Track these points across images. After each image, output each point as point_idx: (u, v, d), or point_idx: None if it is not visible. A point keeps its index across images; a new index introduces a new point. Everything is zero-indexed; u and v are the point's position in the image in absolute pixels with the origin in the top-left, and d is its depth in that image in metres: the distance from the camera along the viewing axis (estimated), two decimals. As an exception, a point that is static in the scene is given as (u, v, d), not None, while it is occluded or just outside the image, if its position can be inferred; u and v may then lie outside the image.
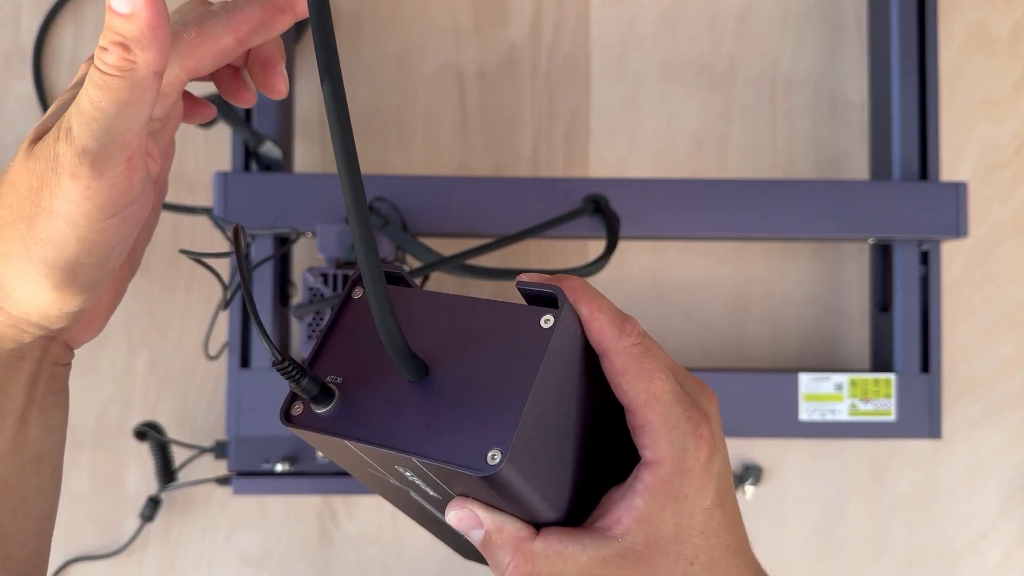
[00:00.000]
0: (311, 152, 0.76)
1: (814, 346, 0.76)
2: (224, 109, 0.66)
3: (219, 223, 0.63)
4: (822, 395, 0.67)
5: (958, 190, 0.65)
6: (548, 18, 0.77)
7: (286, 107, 0.70)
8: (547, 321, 0.29)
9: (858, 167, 0.76)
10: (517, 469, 0.27)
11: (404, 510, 0.38)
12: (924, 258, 0.69)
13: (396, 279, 0.33)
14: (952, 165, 0.76)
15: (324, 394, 0.30)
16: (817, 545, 0.75)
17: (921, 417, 0.67)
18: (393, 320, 0.28)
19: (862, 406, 0.67)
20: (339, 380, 0.31)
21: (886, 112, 0.70)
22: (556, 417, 0.29)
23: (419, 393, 0.29)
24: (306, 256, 0.74)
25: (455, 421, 0.28)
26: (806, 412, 0.67)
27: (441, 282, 0.76)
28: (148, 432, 0.70)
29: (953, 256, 0.76)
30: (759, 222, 0.65)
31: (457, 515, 0.31)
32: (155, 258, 0.75)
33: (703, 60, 0.77)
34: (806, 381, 0.67)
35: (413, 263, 0.69)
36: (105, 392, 0.74)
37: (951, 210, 0.65)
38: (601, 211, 0.63)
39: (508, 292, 0.76)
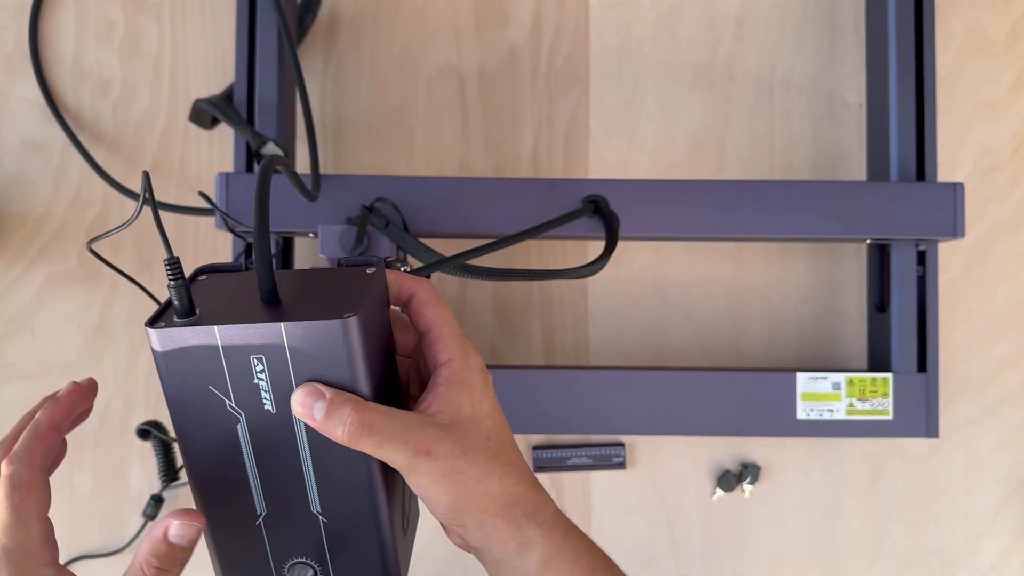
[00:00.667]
0: (313, 153, 0.77)
1: (812, 346, 0.76)
2: (226, 111, 0.67)
3: (227, 222, 0.64)
4: (820, 394, 0.68)
5: (955, 191, 0.66)
6: (548, 20, 0.78)
7: (287, 109, 0.70)
8: (370, 270, 0.40)
9: (856, 168, 0.77)
10: (361, 328, 0.35)
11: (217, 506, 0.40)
12: (921, 258, 0.69)
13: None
14: (949, 166, 0.76)
15: (191, 307, 0.35)
16: (815, 543, 0.76)
17: (918, 416, 0.68)
18: (267, 248, 0.36)
19: (859, 405, 0.68)
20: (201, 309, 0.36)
21: (884, 113, 0.70)
22: (376, 329, 0.38)
23: (278, 308, 0.36)
24: (307, 256, 0.75)
25: (308, 307, 0.35)
26: (804, 411, 0.68)
27: (441, 282, 0.76)
28: (151, 431, 0.71)
29: (950, 256, 0.76)
30: (757, 223, 0.66)
31: (303, 392, 0.35)
32: (156, 257, 0.75)
33: (702, 62, 0.77)
34: (804, 380, 0.68)
35: (414, 263, 0.70)
36: (107, 391, 0.74)
37: (948, 211, 0.66)
38: (600, 211, 0.64)
39: (508, 292, 0.77)
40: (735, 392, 0.67)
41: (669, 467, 0.76)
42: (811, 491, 0.76)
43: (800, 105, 0.77)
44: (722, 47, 0.77)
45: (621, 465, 0.75)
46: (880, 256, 0.73)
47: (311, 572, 0.40)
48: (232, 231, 0.64)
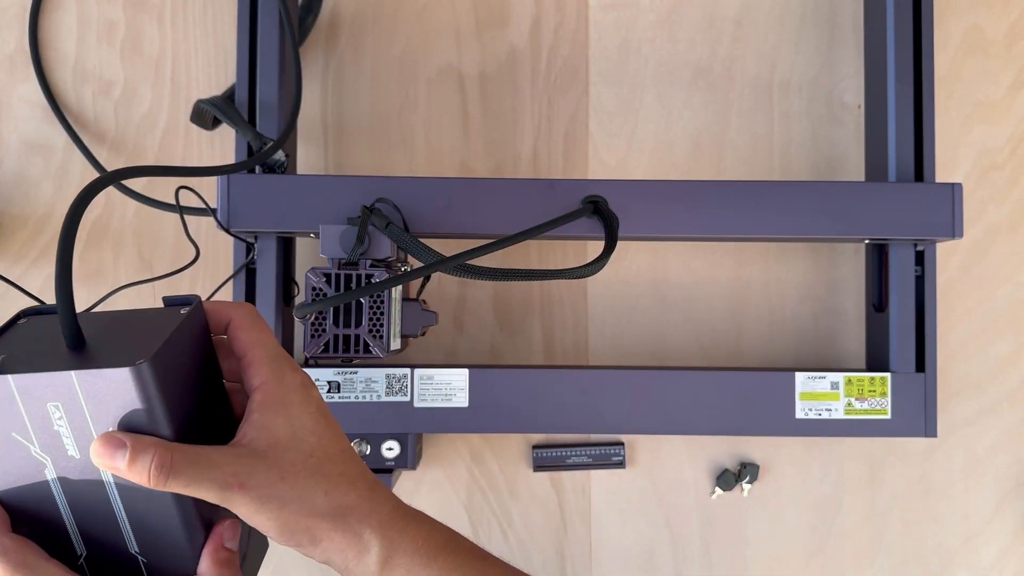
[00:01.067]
0: (314, 154, 0.77)
1: (810, 345, 0.77)
2: (228, 111, 0.67)
3: (222, 225, 0.64)
4: (818, 394, 0.68)
5: (953, 191, 0.66)
6: (548, 21, 0.78)
7: (289, 109, 0.71)
8: (184, 310, 0.39)
9: (854, 169, 0.77)
10: (155, 374, 0.35)
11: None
12: (919, 258, 0.69)
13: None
14: (948, 167, 0.77)
15: None
16: (813, 542, 0.76)
17: (916, 416, 0.68)
18: (68, 296, 0.35)
19: (858, 405, 0.68)
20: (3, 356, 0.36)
21: (882, 114, 0.70)
22: (182, 366, 0.38)
23: (80, 353, 0.36)
24: (309, 256, 0.75)
25: (109, 353, 0.35)
26: (802, 411, 0.68)
27: (442, 282, 0.76)
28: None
29: (948, 256, 0.76)
30: (756, 223, 0.66)
31: (100, 442, 0.35)
32: (158, 256, 0.76)
33: (701, 63, 0.78)
34: (802, 380, 0.68)
35: (414, 263, 0.70)
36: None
37: (946, 211, 0.66)
38: (600, 212, 0.64)
39: (508, 292, 0.77)
40: (734, 392, 0.68)
41: (668, 466, 0.76)
42: (810, 490, 0.76)
43: (799, 106, 0.77)
44: (721, 48, 0.78)
45: (621, 464, 0.75)
46: (879, 256, 0.73)
47: None
48: (227, 231, 0.65)
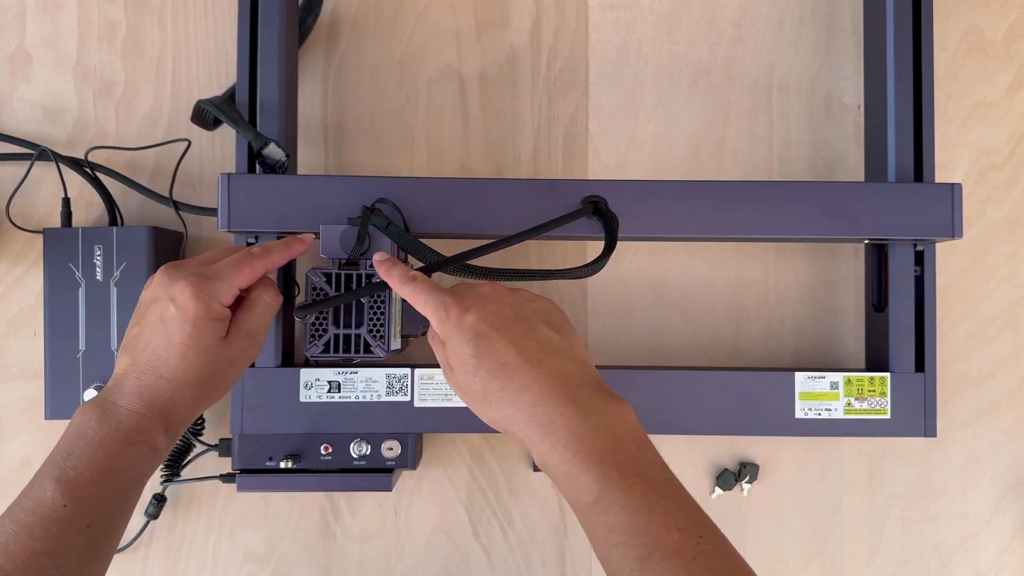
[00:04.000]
0: (314, 154, 0.77)
1: (810, 345, 0.77)
2: (228, 111, 0.67)
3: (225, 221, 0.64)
4: (818, 393, 0.68)
5: (952, 191, 0.66)
6: (548, 22, 0.78)
7: (290, 110, 0.71)
8: None
9: (854, 169, 0.77)
10: None
11: None
12: (919, 258, 0.70)
13: None
14: (947, 167, 0.77)
15: None
16: (813, 542, 0.76)
17: (916, 415, 0.68)
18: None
19: (857, 404, 0.68)
20: None
21: (881, 114, 0.70)
22: None
23: None
24: (309, 256, 0.75)
25: None
26: (802, 410, 0.68)
27: (442, 282, 0.76)
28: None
29: (947, 256, 0.76)
30: (756, 223, 0.66)
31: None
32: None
33: (700, 64, 0.78)
34: (802, 380, 0.68)
35: (415, 263, 0.70)
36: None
37: (946, 211, 0.66)
38: (600, 212, 0.64)
39: (508, 292, 0.77)
40: (733, 391, 0.68)
41: (668, 465, 0.76)
42: (809, 490, 0.76)
43: (798, 106, 0.78)
44: (720, 49, 0.78)
45: (620, 464, 0.75)
46: (878, 256, 0.73)
47: None
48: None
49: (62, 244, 0.70)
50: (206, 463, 0.74)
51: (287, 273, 0.70)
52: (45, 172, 0.76)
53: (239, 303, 0.55)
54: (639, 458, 0.45)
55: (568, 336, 0.50)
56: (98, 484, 0.46)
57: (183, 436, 0.72)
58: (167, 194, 0.74)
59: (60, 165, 0.73)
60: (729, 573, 0.41)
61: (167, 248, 0.73)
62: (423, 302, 0.51)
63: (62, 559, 0.44)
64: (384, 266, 0.55)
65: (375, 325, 0.61)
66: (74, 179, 0.75)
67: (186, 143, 0.74)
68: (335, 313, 0.61)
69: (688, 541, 0.41)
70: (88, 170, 0.73)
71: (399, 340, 0.64)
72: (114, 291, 0.70)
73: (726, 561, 0.41)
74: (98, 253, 0.70)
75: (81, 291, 0.70)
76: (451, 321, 0.49)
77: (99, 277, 0.70)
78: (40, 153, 0.74)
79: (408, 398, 0.67)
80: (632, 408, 0.47)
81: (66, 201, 0.73)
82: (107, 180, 0.74)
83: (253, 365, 0.66)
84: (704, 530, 0.42)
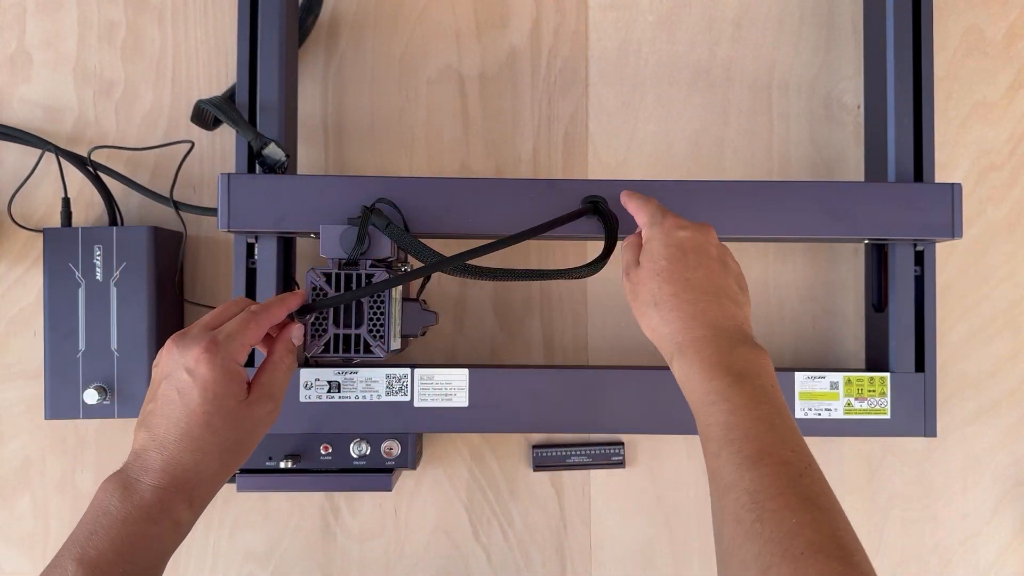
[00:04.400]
0: (314, 155, 0.77)
1: (810, 345, 0.77)
2: (228, 111, 0.67)
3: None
4: (817, 393, 0.68)
5: (952, 191, 0.66)
6: (548, 22, 0.78)
7: (290, 110, 0.71)
8: None
9: (854, 169, 0.77)
10: None
11: None
12: (919, 258, 0.70)
13: None
14: (947, 167, 0.77)
15: None
16: (813, 542, 0.76)
17: (916, 415, 0.68)
18: None
19: (857, 405, 0.68)
20: None
21: (881, 114, 0.70)
22: None
23: None
24: (310, 256, 0.75)
25: None
26: (802, 410, 0.68)
27: (442, 282, 0.77)
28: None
29: (947, 256, 0.76)
30: (755, 223, 0.66)
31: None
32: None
33: (700, 64, 0.78)
34: (802, 380, 0.68)
35: (415, 263, 0.70)
36: (110, 391, 0.74)
37: (946, 211, 0.66)
38: (600, 212, 0.64)
39: (508, 292, 0.77)
40: (734, 391, 0.68)
41: (668, 465, 0.76)
42: (809, 490, 0.76)
43: (798, 106, 0.78)
44: (720, 49, 0.78)
45: (620, 464, 0.75)
46: (878, 256, 0.73)
47: None
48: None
49: (62, 244, 0.70)
50: (206, 463, 0.74)
51: (287, 273, 0.70)
52: (45, 172, 0.76)
53: (258, 366, 0.55)
54: (771, 390, 0.48)
55: (745, 298, 0.55)
56: (119, 564, 0.46)
57: None
58: (167, 194, 0.74)
59: (61, 164, 0.73)
60: (826, 503, 0.43)
61: (167, 248, 0.73)
62: (645, 206, 0.57)
63: None
64: (628, 194, 0.61)
65: (375, 325, 0.61)
66: (73, 179, 0.75)
67: (189, 144, 0.74)
68: (335, 313, 0.61)
69: (799, 462, 0.44)
70: (90, 169, 0.73)
71: (399, 340, 0.64)
72: (114, 291, 0.70)
73: (826, 492, 0.43)
74: (98, 253, 0.70)
75: (81, 291, 0.70)
76: (663, 226, 0.55)
77: (99, 277, 0.70)
78: (46, 149, 0.74)
79: (408, 398, 0.67)
80: (771, 362, 0.50)
81: (66, 201, 0.73)
82: (107, 180, 0.74)
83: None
84: (813, 463, 0.45)
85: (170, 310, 0.73)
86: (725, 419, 0.46)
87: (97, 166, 0.74)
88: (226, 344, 0.51)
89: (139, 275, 0.70)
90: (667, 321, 0.51)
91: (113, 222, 0.73)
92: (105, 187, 0.73)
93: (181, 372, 0.50)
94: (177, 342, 0.51)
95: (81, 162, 0.73)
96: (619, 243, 0.62)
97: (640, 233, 0.57)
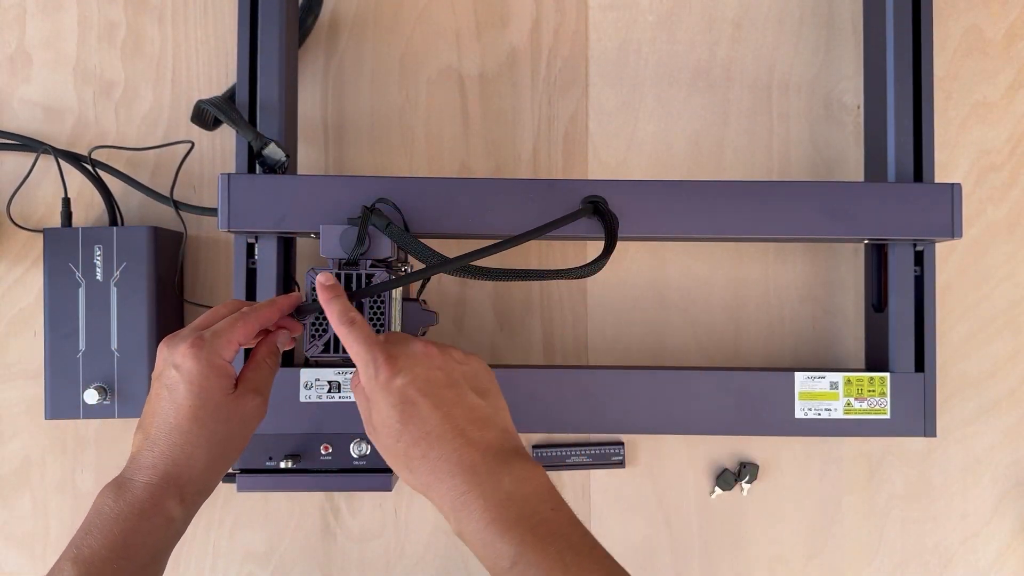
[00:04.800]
0: (314, 155, 0.77)
1: (810, 345, 0.77)
2: (228, 111, 0.67)
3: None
4: (817, 393, 0.68)
5: (952, 191, 0.66)
6: (548, 22, 0.78)
7: (290, 110, 0.71)
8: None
9: (853, 169, 0.77)
10: None
11: None
12: (918, 258, 0.70)
13: None
14: (946, 167, 0.77)
15: None
16: (813, 542, 0.76)
17: (916, 415, 0.68)
18: None
19: (857, 404, 0.68)
20: None
21: (881, 114, 0.70)
22: None
23: None
24: (311, 256, 0.75)
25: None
26: (802, 411, 0.68)
27: (442, 282, 0.76)
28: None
29: (947, 256, 0.76)
30: (755, 223, 0.66)
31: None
32: (160, 258, 0.76)
33: (700, 64, 0.78)
34: (802, 380, 0.68)
35: (415, 263, 0.70)
36: (110, 391, 0.74)
37: (946, 211, 0.66)
38: (600, 212, 0.64)
39: (508, 292, 0.77)
40: (733, 391, 0.68)
41: (668, 466, 0.76)
42: (809, 490, 0.76)
43: (798, 106, 0.78)
44: (720, 49, 0.78)
45: (620, 464, 0.75)
46: (878, 256, 0.73)
47: None
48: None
49: (62, 244, 0.70)
50: (206, 463, 0.74)
51: (287, 273, 0.70)
52: (45, 172, 0.76)
53: (244, 364, 0.56)
54: (553, 519, 0.45)
55: (493, 400, 0.52)
56: (112, 561, 0.47)
57: None
58: (167, 194, 0.74)
59: (61, 164, 0.73)
60: None
61: (167, 248, 0.73)
62: (354, 352, 0.51)
63: None
64: (326, 294, 0.53)
65: (375, 325, 0.61)
66: (73, 180, 0.75)
67: (189, 144, 0.74)
68: (335, 313, 0.61)
69: None
70: (90, 168, 0.73)
71: (399, 340, 0.63)
72: (114, 291, 0.70)
73: None
74: (98, 253, 0.70)
75: (81, 291, 0.70)
76: (379, 382, 0.49)
77: (99, 277, 0.70)
78: (42, 151, 0.74)
79: (408, 398, 0.67)
80: (544, 471, 0.48)
81: (66, 201, 0.73)
82: (108, 181, 0.74)
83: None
84: None
85: (170, 310, 0.73)
86: None
87: (97, 165, 0.74)
88: (212, 340, 0.51)
89: (139, 275, 0.70)
90: (428, 486, 0.48)
91: (113, 222, 0.73)
92: (105, 187, 0.73)
93: (169, 370, 0.51)
94: (167, 343, 0.52)
95: (80, 161, 0.73)
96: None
97: (359, 377, 0.52)
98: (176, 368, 0.51)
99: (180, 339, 0.52)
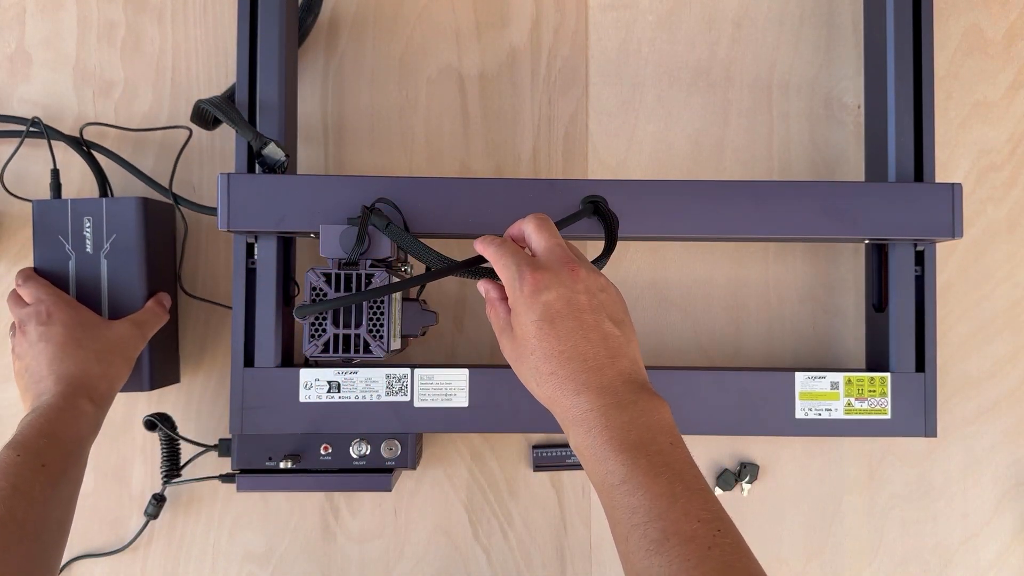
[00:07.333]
0: (314, 154, 0.77)
1: (810, 345, 0.77)
2: (228, 111, 0.67)
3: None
4: (818, 393, 0.68)
5: (953, 191, 0.66)
6: (548, 22, 0.78)
7: (290, 110, 0.71)
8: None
9: (854, 169, 0.77)
10: None
11: None
12: (919, 258, 0.70)
13: None
14: (947, 167, 0.77)
15: None
16: (813, 542, 0.76)
17: (916, 415, 0.68)
18: None
19: (857, 404, 0.68)
20: None
21: (882, 114, 0.70)
22: None
23: None
24: (311, 256, 0.75)
25: None
26: (802, 410, 0.68)
27: (442, 281, 0.76)
28: (156, 423, 0.70)
29: (947, 256, 0.76)
30: (756, 223, 0.66)
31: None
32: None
33: (700, 64, 0.78)
34: (802, 380, 0.68)
35: (415, 262, 0.70)
36: (110, 391, 0.74)
37: (946, 211, 0.66)
38: (600, 212, 0.64)
39: (508, 292, 0.77)
40: (733, 391, 0.68)
41: (668, 466, 0.76)
42: (809, 490, 0.76)
43: (798, 106, 0.77)
44: (720, 49, 0.78)
45: (620, 464, 0.75)
46: (878, 256, 0.73)
47: None
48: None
49: (51, 216, 0.69)
50: (206, 463, 0.74)
51: (286, 273, 0.70)
52: (37, 154, 0.76)
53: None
54: (670, 452, 0.46)
55: (626, 331, 0.51)
56: (43, 438, 0.58)
57: (164, 432, 0.71)
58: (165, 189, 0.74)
59: (50, 141, 0.73)
60: (742, 569, 0.42)
61: (159, 220, 0.72)
62: (502, 266, 0.52)
63: (23, 489, 0.54)
64: (484, 242, 0.55)
65: (374, 325, 0.61)
66: (70, 163, 0.75)
67: (188, 132, 0.74)
68: (334, 313, 0.61)
69: (706, 532, 0.43)
70: (84, 148, 0.73)
71: (399, 340, 0.63)
72: (104, 263, 0.69)
73: (740, 557, 0.43)
74: (88, 225, 0.69)
75: (71, 263, 0.70)
76: (524, 294, 0.50)
77: (89, 249, 0.70)
78: (33, 127, 0.73)
79: (408, 398, 0.67)
80: (669, 408, 0.48)
81: (55, 172, 0.72)
82: (111, 179, 0.74)
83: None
84: (723, 525, 0.44)
85: (163, 281, 0.73)
86: (626, 501, 0.44)
87: (90, 145, 0.73)
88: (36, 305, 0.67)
89: (130, 247, 0.69)
90: (553, 400, 0.49)
91: (104, 195, 0.73)
92: (97, 163, 0.73)
93: (32, 327, 0.65)
94: (11, 332, 0.68)
95: (75, 142, 0.73)
96: (493, 293, 0.57)
97: (503, 291, 0.54)
98: (43, 324, 0.65)
99: (26, 317, 0.66)
